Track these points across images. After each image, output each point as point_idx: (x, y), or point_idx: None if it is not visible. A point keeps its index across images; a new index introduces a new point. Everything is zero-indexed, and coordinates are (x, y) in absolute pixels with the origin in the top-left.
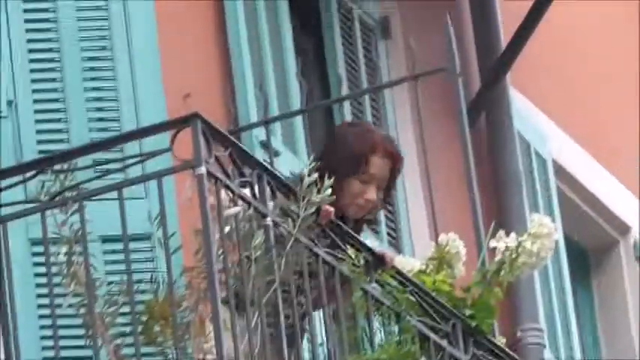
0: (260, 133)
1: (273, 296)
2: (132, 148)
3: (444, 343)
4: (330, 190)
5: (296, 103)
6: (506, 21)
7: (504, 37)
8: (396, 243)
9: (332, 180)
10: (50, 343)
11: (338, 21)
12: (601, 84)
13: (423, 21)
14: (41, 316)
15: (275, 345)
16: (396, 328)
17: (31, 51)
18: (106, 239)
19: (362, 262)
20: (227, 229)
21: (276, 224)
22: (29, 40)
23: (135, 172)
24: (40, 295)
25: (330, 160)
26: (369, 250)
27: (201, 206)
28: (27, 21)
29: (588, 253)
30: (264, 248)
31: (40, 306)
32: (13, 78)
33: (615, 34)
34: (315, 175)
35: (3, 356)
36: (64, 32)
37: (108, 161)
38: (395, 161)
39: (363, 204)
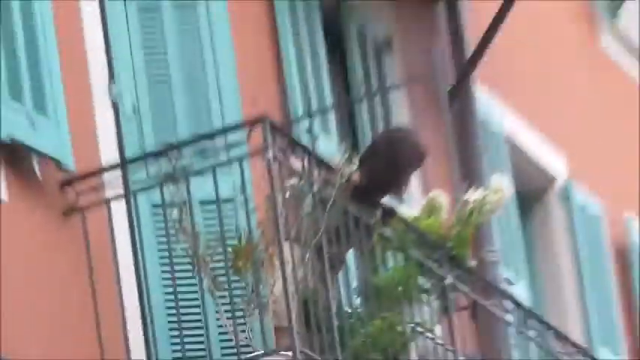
0: (305, 122)
1: (320, 240)
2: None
3: (435, 266)
4: (355, 166)
5: (328, 100)
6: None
7: (471, 45)
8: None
9: (381, 167)
10: (169, 276)
11: (356, 41)
12: (547, 77)
13: (419, 38)
14: (161, 257)
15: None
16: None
17: (146, 65)
18: (203, 202)
19: (378, 214)
20: (287, 194)
21: (320, 190)
22: (145, 53)
23: (224, 155)
24: (160, 242)
25: (389, 158)
26: (382, 205)
27: (270, 180)
28: (143, 35)
29: (524, 199)
30: (312, 207)
31: (160, 249)
32: (135, 88)
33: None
34: (347, 155)
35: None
36: (171, 53)
37: (204, 149)
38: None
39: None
